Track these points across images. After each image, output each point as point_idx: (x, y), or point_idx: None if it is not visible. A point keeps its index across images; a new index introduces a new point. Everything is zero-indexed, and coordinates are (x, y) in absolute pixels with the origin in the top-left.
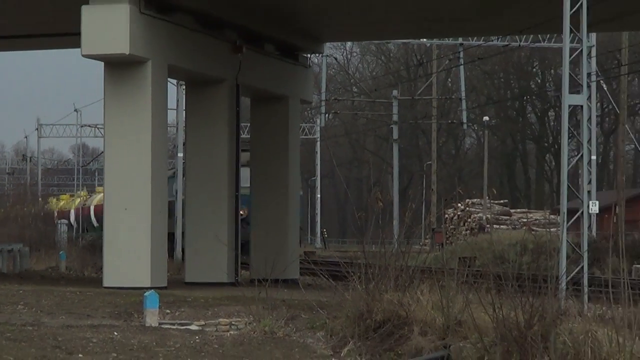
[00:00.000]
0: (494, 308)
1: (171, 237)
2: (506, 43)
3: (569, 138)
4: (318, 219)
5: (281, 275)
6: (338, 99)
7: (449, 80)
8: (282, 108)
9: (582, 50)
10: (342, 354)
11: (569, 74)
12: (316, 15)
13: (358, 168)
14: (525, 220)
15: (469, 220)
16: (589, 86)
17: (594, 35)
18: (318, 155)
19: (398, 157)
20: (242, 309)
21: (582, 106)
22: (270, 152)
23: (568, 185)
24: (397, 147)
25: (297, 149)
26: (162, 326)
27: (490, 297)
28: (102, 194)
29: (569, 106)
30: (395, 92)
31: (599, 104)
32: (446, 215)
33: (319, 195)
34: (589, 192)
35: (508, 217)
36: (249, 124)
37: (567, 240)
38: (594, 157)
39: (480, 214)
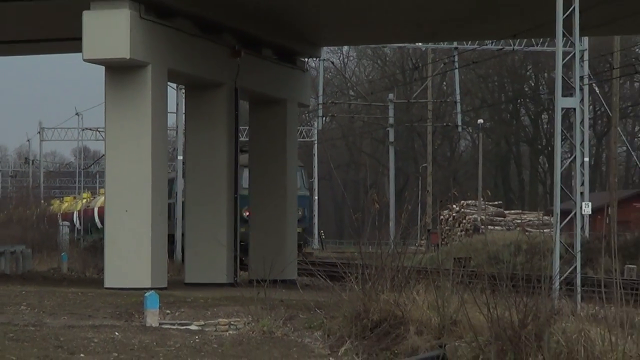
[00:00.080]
0: (488, 308)
1: (171, 238)
2: (500, 47)
3: (562, 140)
4: (316, 220)
5: (279, 275)
6: (335, 102)
7: (444, 83)
8: (280, 111)
9: (574, 54)
10: (339, 353)
11: (562, 77)
12: (313, 20)
13: (355, 170)
14: (519, 221)
15: (464, 221)
16: (581, 89)
17: (586, 39)
18: (315, 158)
19: (394, 160)
20: (241, 309)
21: (575, 109)
22: (269, 155)
23: (561, 187)
24: (393, 150)
25: (295, 151)
26: (163, 326)
27: (485, 297)
28: None
29: (562, 109)
30: (391, 96)
31: (591, 106)
32: (441, 217)
33: (316, 197)
34: (581, 193)
35: (502, 218)
36: (247, 127)
37: (560, 241)
38: (586, 159)
39: (475, 215)
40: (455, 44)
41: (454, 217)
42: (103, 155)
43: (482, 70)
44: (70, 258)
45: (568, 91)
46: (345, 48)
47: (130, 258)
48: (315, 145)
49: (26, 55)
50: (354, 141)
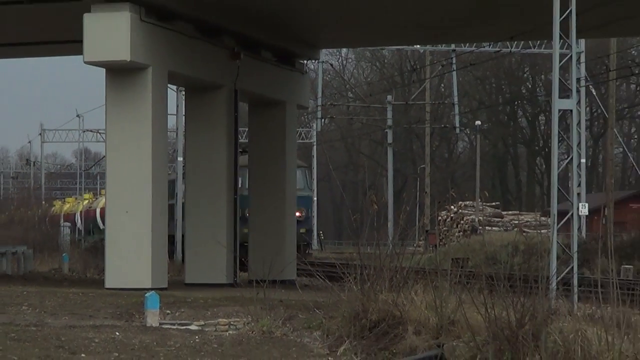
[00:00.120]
0: (486, 308)
1: (171, 239)
2: (497, 49)
3: (559, 142)
4: (315, 221)
5: (279, 276)
6: (334, 104)
7: (442, 85)
8: (279, 113)
9: (571, 56)
10: (338, 353)
11: (559, 79)
12: (312, 23)
13: (353, 171)
14: (516, 222)
15: (462, 222)
16: (578, 91)
17: (583, 42)
18: (314, 159)
19: (392, 161)
20: (241, 310)
21: (571, 110)
22: (268, 156)
23: (558, 188)
24: (392, 151)
25: (294, 153)
26: (163, 326)
27: (483, 297)
28: None
29: (559, 110)
30: (389, 97)
31: (588, 108)
32: (439, 218)
33: (315, 198)
34: (578, 194)
35: (500, 219)
36: (247, 129)
37: (557, 242)
38: (583, 160)
39: (472, 216)
40: (453, 46)
41: (451, 218)
42: (104, 156)
43: (479, 72)
44: (71, 259)
45: (565, 93)
46: (344, 50)
47: (130, 259)
48: (314, 147)
49: (27, 58)
50: (353, 143)
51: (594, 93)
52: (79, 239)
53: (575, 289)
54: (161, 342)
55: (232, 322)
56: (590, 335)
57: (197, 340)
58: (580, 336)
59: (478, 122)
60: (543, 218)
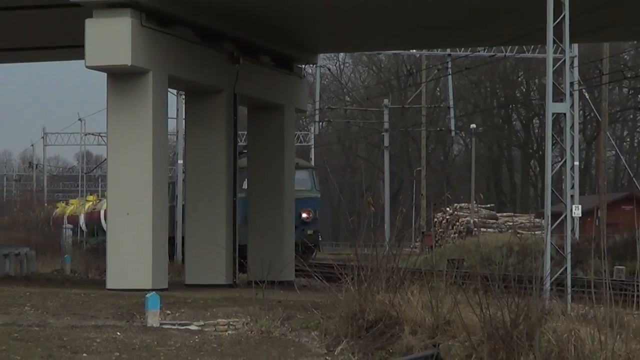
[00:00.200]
0: (481, 308)
1: (171, 240)
2: (492, 54)
3: (552, 145)
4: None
5: (277, 277)
6: (331, 107)
7: (438, 89)
8: (277, 116)
9: (565, 60)
10: (335, 353)
11: (553, 83)
12: (310, 28)
13: (351, 174)
14: (511, 223)
15: (457, 223)
16: (571, 95)
17: (576, 46)
18: (312, 162)
19: (389, 164)
20: (240, 310)
21: (565, 114)
22: (267, 159)
23: (552, 190)
24: (388, 154)
25: (292, 155)
26: (163, 326)
27: (478, 298)
28: None
29: (553, 114)
30: (386, 101)
31: (581, 111)
32: (435, 219)
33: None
34: (572, 196)
35: (495, 221)
36: (246, 132)
37: (551, 243)
38: (576, 163)
39: (468, 218)
40: (448, 51)
41: (447, 219)
42: (105, 159)
43: (474, 76)
44: (73, 260)
45: (558, 97)
46: (342, 55)
47: (131, 260)
48: (312, 150)
49: (29, 63)
50: (350, 145)
51: (587, 97)
52: (81, 241)
53: (569, 290)
54: (162, 342)
55: (231, 322)
56: (583, 335)
57: (196, 340)
58: (574, 336)
59: (473, 126)
60: (537, 220)
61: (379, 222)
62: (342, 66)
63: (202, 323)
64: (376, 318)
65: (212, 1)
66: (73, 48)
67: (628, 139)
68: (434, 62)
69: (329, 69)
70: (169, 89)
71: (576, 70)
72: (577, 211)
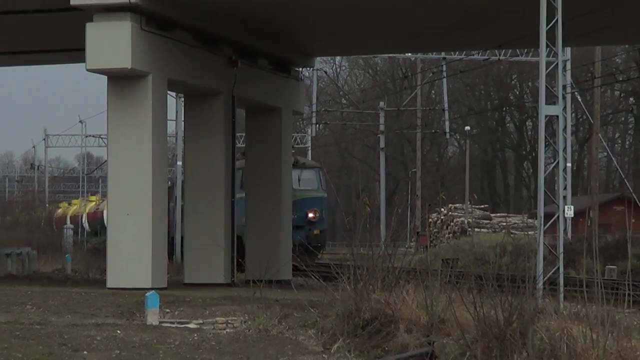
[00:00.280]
0: (475, 307)
1: (171, 240)
2: (486, 57)
3: (545, 146)
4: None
5: (275, 276)
6: (328, 110)
7: (433, 92)
8: (275, 119)
9: (557, 63)
10: (332, 351)
11: (546, 86)
12: (307, 32)
13: (347, 175)
14: (504, 224)
15: (452, 224)
16: (564, 97)
17: (568, 50)
18: None
19: (385, 165)
20: (238, 308)
21: (557, 116)
22: (264, 161)
23: (545, 191)
24: (384, 156)
25: (290, 157)
26: (162, 325)
27: (472, 297)
28: None
29: (546, 116)
30: (382, 104)
31: (573, 114)
32: (430, 220)
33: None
34: (564, 197)
35: (488, 221)
36: (244, 134)
37: (544, 243)
38: (569, 165)
39: (462, 218)
40: (443, 54)
41: (442, 220)
42: (105, 161)
43: (469, 79)
44: (74, 259)
45: (551, 99)
46: (338, 58)
47: (131, 259)
48: (309, 151)
49: (31, 66)
50: (346, 147)
51: (580, 99)
52: (82, 241)
53: (561, 289)
54: (161, 340)
55: (229, 321)
56: (575, 333)
57: (195, 338)
58: (566, 334)
59: (467, 128)
60: (530, 220)
61: (375, 222)
62: (338, 69)
63: (200, 321)
64: (372, 316)
65: (211, 5)
66: (73, 51)
67: (619, 141)
68: (429, 65)
69: (326, 72)
70: (169, 92)
71: (569, 73)
72: (569, 212)
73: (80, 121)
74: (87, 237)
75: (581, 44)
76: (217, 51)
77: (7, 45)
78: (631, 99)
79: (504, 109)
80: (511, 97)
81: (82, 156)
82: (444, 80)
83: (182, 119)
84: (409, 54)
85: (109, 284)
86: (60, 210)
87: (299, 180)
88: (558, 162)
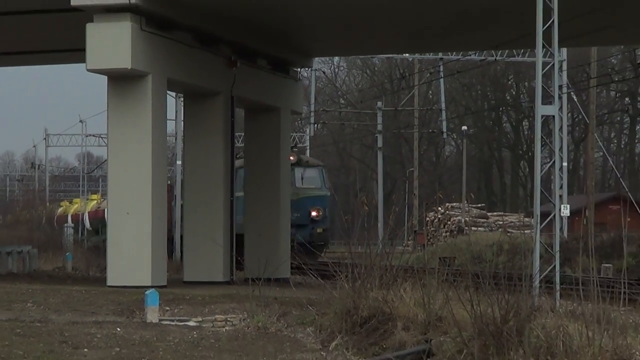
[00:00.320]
0: (472, 305)
1: (170, 239)
2: (483, 57)
3: (541, 146)
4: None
5: (273, 274)
6: (326, 110)
7: (430, 92)
8: (274, 119)
9: (553, 64)
10: (330, 348)
11: (542, 86)
12: (306, 33)
13: (345, 174)
14: (501, 222)
15: (449, 222)
16: (560, 98)
17: (564, 50)
18: None
19: (382, 164)
20: (237, 306)
21: (554, 116)
22: (263, 160)
23: (541, 190)
24: (382, 155)
25: (288, 156)
26: (162, 322)
27: (469, 295)
28: None
29: (542, 116)
30: (379, 104)
31: (569, 114)
32: (427, 218)
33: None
34: (560, 196)
35: (485, 220)
36: (243, 134)
37: (540, 241)
38: (565, 164)
39: (459, 217)
40: (440, 55)
41: (439, 218)
42: (105, 160)
43: (466, 79)
44: (74, 258)
45: (547, 99)
46: (336, 58)
47: (131, 258)
48: (308, 151)
49: (32, 66)
50: (344, 147)
51: (575, 99)
52: (82, 239)
53: (557, 287)
54: (161, 338)
55: (228, 319)
56: (571, 331)
57: (195, 335)
58: (562, 332)
59: (464, 127)
60: (526, 219)
61: (373, 221)
62: (336, 70)
63: (200, 319)
64: (370, 314)
65: (210, 6)
66: (74, 52)
67: (615, 141)
68: (427, 65)
69: (324, 73)
70: (168, 92)
71: (565, 73)
72: (565, 211)
73: (81, 121)
74: (88, 235)
75: (577, 44)
76: (216, 51)
77: (9, 46)
78: (626, 99)
79: (501, 109)
80: (508, 97)
81: (83, 155)
82: (441, 80)
83: (182, 119)
84: (407, 55)
85: (109, 282)
86: (61, 209)
87: (302, 179)
88: (554, 162)
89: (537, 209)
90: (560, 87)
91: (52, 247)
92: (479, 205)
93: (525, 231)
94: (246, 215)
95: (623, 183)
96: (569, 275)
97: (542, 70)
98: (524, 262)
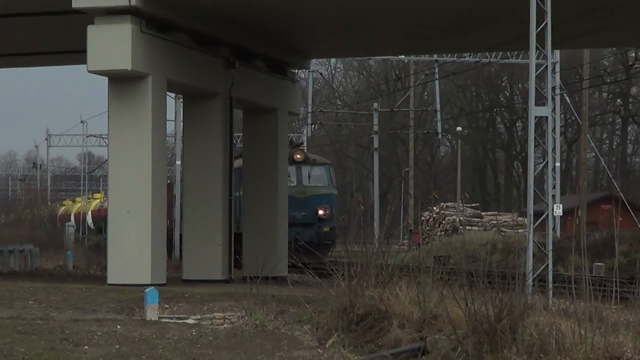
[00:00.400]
0: (466, 303)
1: (170, 238)
2: (477, 59)
3: (535, 147)
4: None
5: (271, 273)
6: (323, 111)
7: (425, 93)
8: (271, 119)
9: (547, 66)
10: (327, 345)
11: (535, 87)
12: (303, 35)
13: (341, 174)
14: (495, 222)
15: (444, 222)
16: (553, 99)
17: (558, 52)
18: None
19: (378, 165)
20: (235, 304)
21: (547, 117)
22: (261, 160)
23: (534, 190)
24: (378, 155)
25: (286, 157)
26: (162, 320)
27: (463, 293)
28: None
29: (535, 117)
30: (375, 105)
31: (562, 115)
32: (422, 218)
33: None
34: (553, 196)
35: (479, 219)
36: (241, 134)
37: (533, 241)
38: (558, 164)
39: (453, 217)
40: (435, 57)
41: (434, 218)
42: (106, 160)
43: (460, 81)
44: (75, 256)
45: (541, 101)
46: (333, 60)
47: (131, 256)
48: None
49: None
50: (341, 147)
51: (568, 101)
52: (83, 238)
53: (550, 285)
54: (160, 335)
55: (227, 316)
56: (564, 329)
57: (193, 333)
58: (555, 330)
59: (459, 128)
60: (520, 218)
61: (369, 220)
62: (333, 71)
63: (199, 317)
64: (366, 312)
65: (209, 8)
66: (75, 53)
67: (607, 141)
68: (422, 67)
69: (321, 74)
70: (168, 93)
71: (558, 75)
72: (558, 210)
73: (82, 121)
74: (90, 234)
75: (570, 46)
76: (215, 53)
77: (10, 47)
78: (618, 100)
79: (495, 110)
80: (502, 99)
81: (84, 155)
82: (436, 82)
83: (181, 119)
84: (403, 56)
85: (110, 281)
86: (63, 208)
87: (309, 177)
88: (547, 162)
89: (531, 209)
90: (553, 88)
91: (53, 246)
92: (474, 204)
93: (519, 230)
94: (244, 214)
95: (615, 183)
96: (562, 274)
97: (536, 72)
98: (518, 260)
